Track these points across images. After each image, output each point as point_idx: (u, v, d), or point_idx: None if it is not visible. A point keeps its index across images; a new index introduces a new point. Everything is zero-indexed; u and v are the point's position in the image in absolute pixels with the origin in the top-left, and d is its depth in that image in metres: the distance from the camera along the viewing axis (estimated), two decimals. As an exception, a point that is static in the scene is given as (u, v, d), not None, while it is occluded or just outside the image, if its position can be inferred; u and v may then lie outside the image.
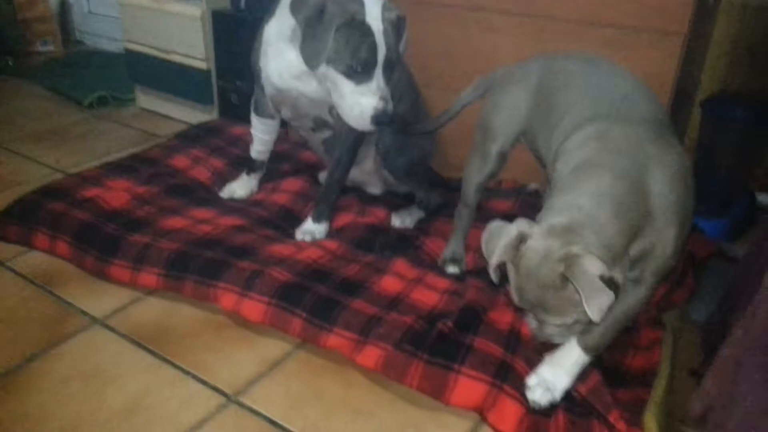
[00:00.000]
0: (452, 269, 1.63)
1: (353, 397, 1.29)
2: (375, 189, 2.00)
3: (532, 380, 1.22)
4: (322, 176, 2.03)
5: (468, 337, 1.34)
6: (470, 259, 1.66)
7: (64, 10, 3.75)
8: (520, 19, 1.91)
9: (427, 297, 1.50)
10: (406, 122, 1.77)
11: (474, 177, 1.56)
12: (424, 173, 1.91)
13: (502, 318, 1.42)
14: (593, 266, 0.99)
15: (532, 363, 1.26)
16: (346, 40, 1.48)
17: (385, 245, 1.73)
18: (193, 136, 2.27)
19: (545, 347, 1.24)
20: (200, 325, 1.48)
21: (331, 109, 1.67)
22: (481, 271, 1.55)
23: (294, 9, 1.53)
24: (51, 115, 2.72)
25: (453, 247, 1.66)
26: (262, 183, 2.00)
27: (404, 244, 1.75)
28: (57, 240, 1.70)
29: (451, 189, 1.94)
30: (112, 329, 1.46)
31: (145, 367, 1.35)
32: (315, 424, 1.22)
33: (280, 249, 1.63)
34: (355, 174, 1.89)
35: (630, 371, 1.32)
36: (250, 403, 1.27)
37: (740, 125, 1.97)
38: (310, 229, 1.75)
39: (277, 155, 2.03)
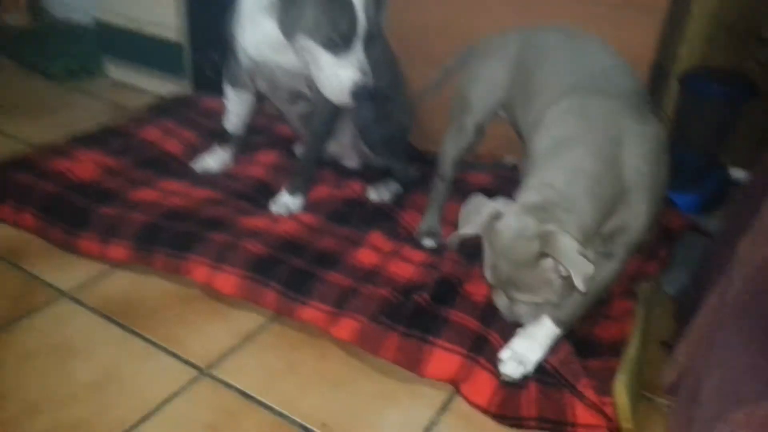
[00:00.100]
0: (428, 242, 1.62)
1: (328, 370, 1.28)
2: (352, 162, 1.97)
3: (505, 354, 1.22)
4: (298, 149, 2.00)
5: (444, 309, 1.34)
6: (446, 232, 1.65)
7: (30, -21, 3.62)
8: (502, -8, 1.88)
9: (403, 270, 1.49)
10: (386, 98, 1.74)
11: (451, 150, 1.55)
12: (401, 147, 1.88)
13: (478, 290, 1.41)
14: (569, 242, 1.00)
15: (507, 336, 1.26)
16: (325, 11, 1.44)
17: (362, 218, 1.71)
18: (165, 108, 2.22)
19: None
20: (171, 299, 1.45)
21: (309, 81, 1.63)
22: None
23: (271, -23, 1.49)
24: (17, 87, 2.63)
25: (429, 220, 1.65)
26: (236, 156, 1.96)
27: (381, 217, 1.73)
28: (23, 212, 1.65)
29: (428, 162, 1.92)
30: (80, 302, 1.42)
31: (115, 341, 1.32)
32: (289, 396, 1.21)
33: (255, 222, 1.61)
34: (332, 147, 1.86)
35: (601, 341, 1.33)
36: (223, 376, 1.25)
37: (717, 100, 1.98)
38: (286, 202, 1.73)
39: (252, 128, 1.99)
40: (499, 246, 1.06)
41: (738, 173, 2.13)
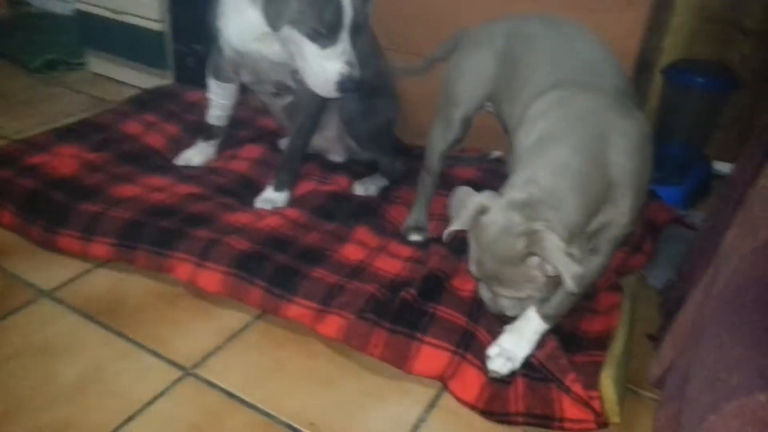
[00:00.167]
0: (415, 237, 1.61)
1: (314, 368, 1.27)
2: (337, 156, 1.96)
3: (493, 350, 1.22)
4: (283, 143, 1.98)
5: (431, 305, 1.33)
6: (433, 226, 1.64)
7: (8, -31, 3.54)
8: (484, -19, 1.87)
9: (390, 265, 1.48)
10: (371, 88, 1.72)
11: (438, 143, 1.54)
12: (387, 140, 1.87)
13: (465, 285, 1.40)
14: (557, 240, 1.00)
15: (494, 331, 1.25)
16: (310, 1, 1.42)
17: (348, 213, 1.70)
18: (146, 101, 2.18)
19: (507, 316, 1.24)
20: (154, 297, 1.43)
21: (294, 73, 1.61)
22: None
23: (255, -34, 1.46)
24: (-5, 80, 2.58)
25: (416, 215, 1.64)
26: (220, 150, 1.94)
27: (367, 212, 1.72)
28: (1, 209, 1.61)
29: (414, 156, 1.92)
30: (61, 302, 1.40)
31: (97, 341, 1.30)
32: (275, 395, 1.20)
33: (239, 217, 1.59)
34: (318, 141, 1.84)
35: (588, 336, 1.33)
36: (207, 375, 1.23)
37: (700, 92, 1.98)
38: (271, 197, 1.71)
39: (235, 121, 1.96)
40: (485, 241, 1.06)
41: (721, 166, 2.15)
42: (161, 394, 1.18)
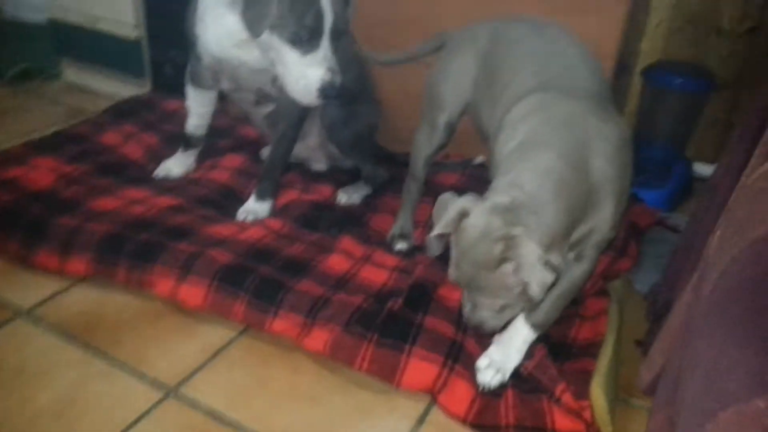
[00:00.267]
0: (401, 246, 1.59)
1: (301, 384, 1.25)
2: (320, 165, 1.93)
3: (482, 362, 1.20)
4: (265, 152, 1.95)
5: (418, 315, 1.31)
6: (419, 234, 1.63)
7: (-22, -23, 3.47)
8: (466, -16, 1.86)
9: (376, 275, 1.46)
10: (353, 94, 1.70)
11: (423, 149, 1.53)
12: (370, 147, 1.85)
13: (452, 294, 1.39)
14: (531, 248, 0.99)
15: (482, 341, 1.24)
16: (290, 6, 1.39)
17: (331, 223, 1.68)
18: (124, 111, 2.14)
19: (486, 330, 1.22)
20: (135, 314, 1.40)
21: (275, 80, 1.58)
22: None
23: (233, -30, 1.43)
24: (-33, 91, 2.52)
25: (401, 222, 1.62)
26: (199, 160, 1.90)
27: (351, 221, 1.70)
28: (-25, 226, 1.57)
29: (398, 164, 1.90)
30: (38, 321, 1.36)
31: (76, 361, 1.26)
32: (260, 413, 1.17)
33: (220, 229, 1.56)
34: (299, 150, 1.81)
35: (576, 343, 1.33)
36: (191, 394, 1.20)
37: (680, 94, 1.99)
38: (253, 208, 1.68)
39: (215, 131, 1.93)
40: (464, 244, 1.05)
41: (702, 167, 2.16)
42: (143, 415, 1.15)
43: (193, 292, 1.37)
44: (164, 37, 2.32)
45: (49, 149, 1.87)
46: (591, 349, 1.27)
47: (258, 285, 1.37)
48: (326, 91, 1.46)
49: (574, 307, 1.38)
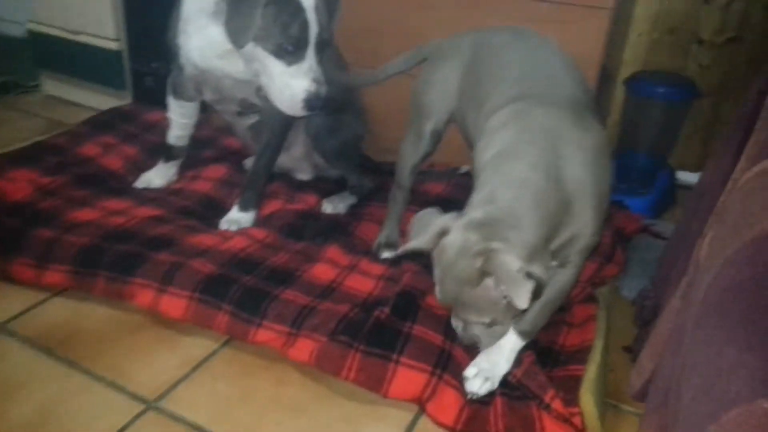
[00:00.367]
0: (387, 254, 1.58)
1: (285, 395, 1.22)
2: (304, 174, 1.92)
3: (470, 371, 1.18)
4: (248, 163, 1.93)
5: (405, 324, 1.29)
6: (405, 243, 1.61)
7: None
8: (450, -6, 1.86)
9: (362, 284, 1.44)
10: (339, 106, 1.69)
11: (409, 157, 1.52)
12: (355, 156, 1.84)
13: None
14: (510, 260, 0.98)
15: (470, 350, 1.22)
16: (275, 17, 1.38)
17: (316, 232, 1.66)
18: (103, 122, 2.11)
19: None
20: (115, 326, 1.37)
21: (259, 90, 1.56)
22: (415, 255, 1.51)
23: (216, -19, 1.41)
24: (-56, 103, 2.48)
25: (387, 231, 1.61)
26: (181, 171, 1.88)
27: (336, 230, 1.68)
28: (-51, 238, 1.53)
29: (383, 173, 1.89)
30: (15, 335, 1.32)
31: (54, 375, 1.23)
32: (244, 426, 1.14)
33: (203, 239, 1.53)
34: (284, 159, 1.79)
35: (565, 350, 1.31)
36: (172, 408, 1.17)
37: (662, 103, 2.01)
38: (236, 217, 1.65)
39: (197, 141, 1.91)
40: (445, 263, 1.04)
41: (685, 175, 2.17)
42: (123, 429, 1.12)
43: (175, 303, 1.34)
44: (145, 48, 2.30)
45: (27, 161, 1.84)
46: (579, 355, 1.26)
47: (241, 295, 1.34)
48: (312, 103, 1.45)
49: (561, 313, 1.37)
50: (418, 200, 1.72)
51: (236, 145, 2.05)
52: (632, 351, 1.34)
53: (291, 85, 1.43)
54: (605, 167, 1.14)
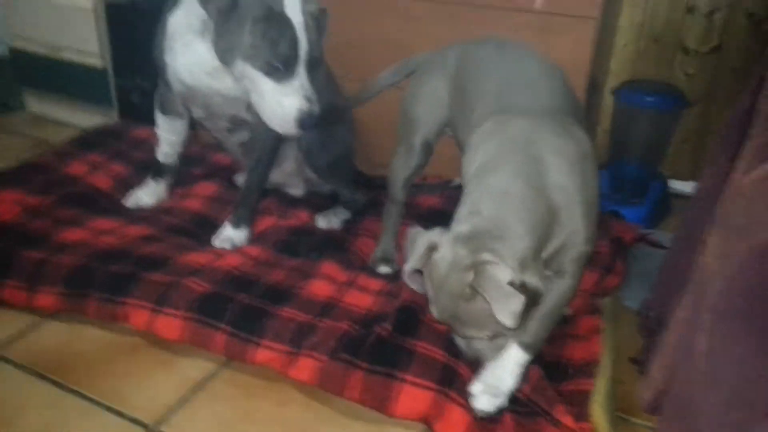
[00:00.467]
0: (384, 269, 1.56)
1: (287, 417, 1.19)
2: (297, 190, 1.89)
3: (476, 388, 1.16)
4: (239, 179, 1.90)
5: (408, 340, 1.27)
6: (402, 257, 1.59)
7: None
8: (435, 6, 1.86)
9: (361, 300, 1.42)
10: (331, 122, 1.68)
11: (400, 171, 1.51)
12: (348, 170, 1.82)
13: (441, 317, 1.35)
14: (501, 273, 0.97)
15: (474, 365, 1.20)
16: (263, 34, 1.36)
17: (311, 247, 1.63)
18: (90, 140, 2.07)
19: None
20: (110, 349, 1.33)
21: (249, 106, 1.54)
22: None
23: (202, -2, 1.39)
24: (-76, 124, 2.42)
25: (384, 245, 1.59)
26: (171, 189, 1.85)
27: (332, 245, 1.66)
28: (-66, 262, 1.48)
29: (376, 187, 1.87)
30: (7, 360, 1.28)
31: (49, 401, 1.19)
32: (247, 449, 1.11)
33: (196, 258, 1.50)
34: (275, 175, 1.77)
35: (571, 363, 1.30)
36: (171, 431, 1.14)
37: (651, 112, 2.02)
38: (230, 235, 1.63)
39: (187, 158, 1.88)
40: (437, 279, 1.04)
41: (678, 185, 2.18)
42: (121, 456, 1.08)
43: (170, 324, 1.31)
44: (130, 64, 2.27)
45: (13, 181, 1.80)
46: (587, 369, 1.24)
47: (238, 314, 1.31)
48: (304, 122, 1.42)
49: (564, 326, 1.36)
50: (414, 214, 1.71)
51: (226, 162, 2.03)
52: (639, 362, 1.33)
53: (282, 103, 1.41)
54: (590, 173, 1.14)
